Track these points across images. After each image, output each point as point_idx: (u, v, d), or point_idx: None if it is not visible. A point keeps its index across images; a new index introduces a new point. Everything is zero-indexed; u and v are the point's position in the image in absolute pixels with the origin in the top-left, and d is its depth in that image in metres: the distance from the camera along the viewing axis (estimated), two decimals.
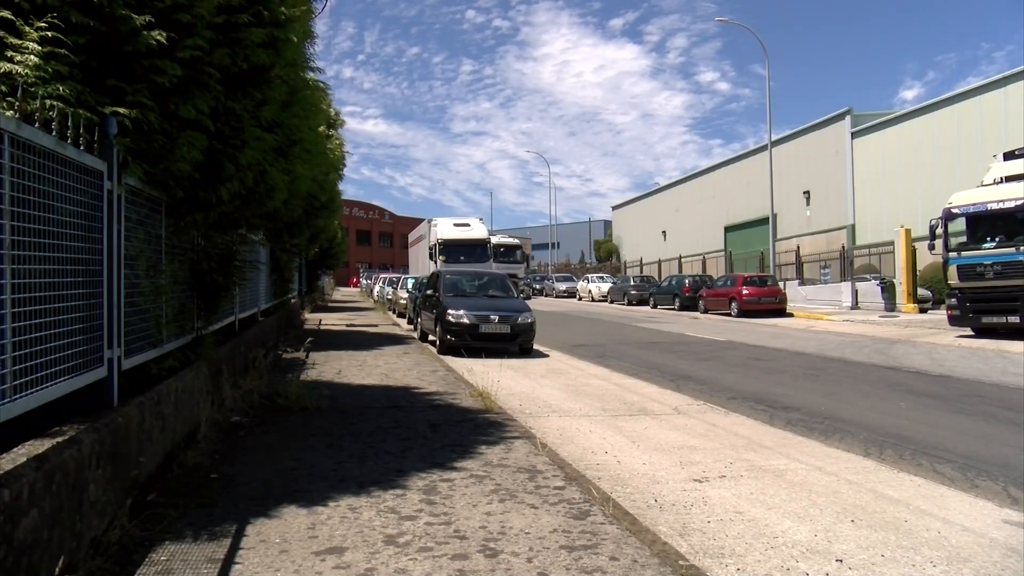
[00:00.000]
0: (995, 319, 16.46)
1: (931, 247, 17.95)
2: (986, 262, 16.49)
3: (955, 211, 17.17)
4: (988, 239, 16.64)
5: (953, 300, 17.33)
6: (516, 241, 46.33)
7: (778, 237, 36.26)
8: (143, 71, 4.50)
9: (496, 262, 40.67)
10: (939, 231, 17.29)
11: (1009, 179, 16.75)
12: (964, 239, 17.19)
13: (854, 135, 34.86)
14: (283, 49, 6.07)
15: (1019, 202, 15.96)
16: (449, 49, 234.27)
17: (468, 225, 35.33)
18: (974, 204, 16.93)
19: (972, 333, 17.01)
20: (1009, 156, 17.50)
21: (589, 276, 46.32)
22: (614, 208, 67.66)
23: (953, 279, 17.19)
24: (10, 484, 2.74)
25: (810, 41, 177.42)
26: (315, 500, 4.62)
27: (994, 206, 16.44)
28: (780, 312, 26.63)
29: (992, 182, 17.14)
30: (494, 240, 42.73)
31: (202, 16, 4.81)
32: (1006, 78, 27.20)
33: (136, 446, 4.42)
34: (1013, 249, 16.04)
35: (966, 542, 4.22)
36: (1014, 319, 16.06)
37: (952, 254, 17.15)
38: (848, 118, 35.38)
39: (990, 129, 26.66)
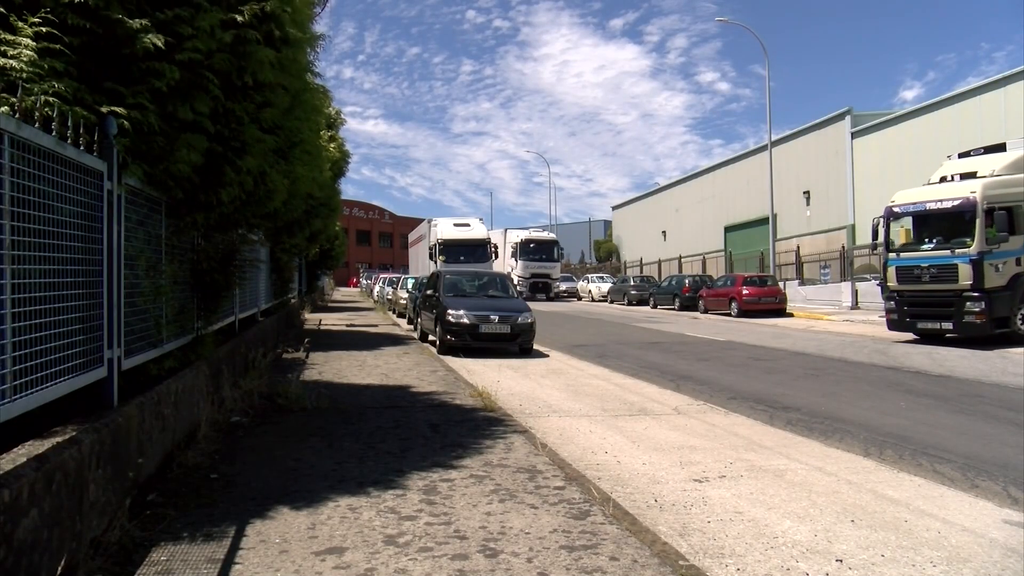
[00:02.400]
0: (930, 325, 15.87)
1: (874, 247, 17.45)
2: (922, 264, 15.84)
3: (896, 210, 16.62)
4: (928, 240, 16.06)
5: (892, 303, 16.61)
6: (551, 236, 42.72)
7: (778, 237, 36.25)
8: (141, 74, 4.50)
9: (525, 260, 38.82)
10: (881, 230, 16.72)
11: (953, 178, 16.14)
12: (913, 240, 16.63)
13: (854, 135, 34.85)
14: (290, 67, 6.07)
15: (956, 202, 15.24)
16: (449, 49, 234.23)
17: (468, 225, 35.30)
18: (914, 203, 16.27)
19: (916, 338, 16.42)
20: (964, 156, 16.94)
21: (589, 276, 46.29)
22: (614, 208, 67.65)
23: (892, 281, 16.54)
24: (10, 484, 2.74)
25: (810, 41, 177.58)
26: (315, 500, 4.62)
27: (933, 206, 15.79)
28: (780, 312, 26.64)
29: (938, 180, 16.52)
30: (523, 235, 40.48)
31: (204, 28, 4.80)
32: (1006, 78, 27.22)
33: (136, 446, 4.42)
34: (948, 252, 15.35)
35: (966, 542, 4.22)
36: (947, 325, 15.45)
37: (892, 255, 16.58)
38: (848, 118, 35.38)
39: (990, 129, 26.64)
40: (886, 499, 5.02)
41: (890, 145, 32.68)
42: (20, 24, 3.78)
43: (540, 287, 39.38)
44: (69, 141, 3.79)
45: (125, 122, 4.29)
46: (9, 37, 3.72)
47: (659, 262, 48.62)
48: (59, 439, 3.39)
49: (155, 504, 4.44)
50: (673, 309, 31.55)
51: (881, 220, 16.76)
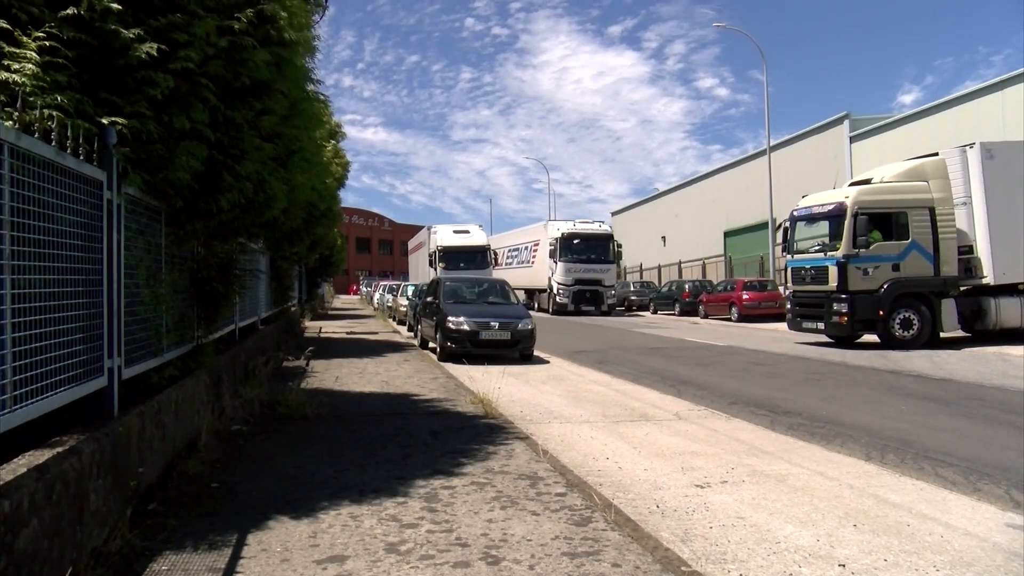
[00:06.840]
0: (810, 325, 16.44)
1: (783, 249, 17.92)
2: (806, 266, 16.46)
3: (795, 213, 17.17)
4: (817, 244, 16.56)
5: (788, 304, 17.31)
6: (604, 229, 33.21)
7: (778, 241, 36.23)
8: (136, 83, 4.51)
9: (568, 261, 31.61)
10: (789, 233, 17.27)
11: (853, 184, 16.66)
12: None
13: (853, 139, 34.90)
14: (286, 69, 6.09)
15: (831, 207, 15.80)
16: (448, 57, 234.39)
17: (468, 232, 35.23)
18: (807, 208, 16.84)
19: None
20: (910, 160, 17.11)
21: None
22: (613, 214, 67.60)
23: (789, 282, 17.19)
24: (10, 495, 2.74)
25: (808, 46, 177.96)
26: (316, 508, 4.61)
27: (817, 210, 16.37)
28: (780, 317, 26.53)
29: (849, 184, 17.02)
30: (565, 228, 32.88)
31: (199, 35, 4.82)
32: (1004, 81, 27.26)
33: (137, 455, 4.42)
34: (823, 255, 15.94)
35: (968, 546, 4.21)
36: (820, 325, 15.99)
37: (790, 257, 17.20)
38: (847, 122, 35.42)
39: (988, 132, 26.65)
40: (888, 503, 5.02)
41: (889, 149, 32.66)
42: (25, 39, 3.81)
43: (588, 297, 30.89)
44: (69, 151, 3.80)
45: (125, 130, 4.30)
46: (13, 51, 3.74)
47: (659, 267, 48.61)
48: (60, 449, 3.39)
49: (156, 513, 4.43)
50: (673, 314, 31.54)
51: (786, 223, 17.41)
